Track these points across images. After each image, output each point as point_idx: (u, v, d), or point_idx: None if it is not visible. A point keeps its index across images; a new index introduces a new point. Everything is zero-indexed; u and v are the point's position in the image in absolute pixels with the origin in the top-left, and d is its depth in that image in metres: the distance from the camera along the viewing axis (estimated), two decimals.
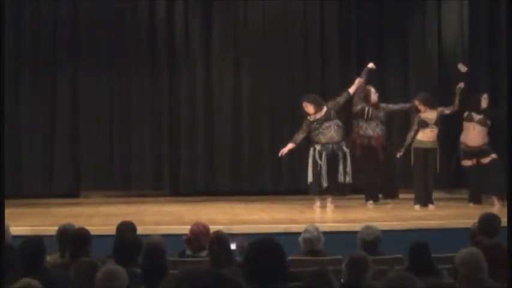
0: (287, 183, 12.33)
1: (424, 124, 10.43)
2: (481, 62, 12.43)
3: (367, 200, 10.74)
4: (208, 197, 11.89)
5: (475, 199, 10.68)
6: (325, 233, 6.69)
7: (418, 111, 10.56)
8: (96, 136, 12.19)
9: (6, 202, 8.44)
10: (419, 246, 5.42)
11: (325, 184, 10.31)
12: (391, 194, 10.95)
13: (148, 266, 4.98)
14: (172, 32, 12.38)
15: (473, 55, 12.49)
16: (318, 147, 10.37)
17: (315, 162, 10.35)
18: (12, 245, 5.33)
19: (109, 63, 12.24)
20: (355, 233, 6.60)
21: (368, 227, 6.45)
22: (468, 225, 6.67)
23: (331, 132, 10.35)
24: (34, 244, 5.30)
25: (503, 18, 11.86)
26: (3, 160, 10.50)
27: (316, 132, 10.38)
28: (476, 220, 6.25)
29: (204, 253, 6.08)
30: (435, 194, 10.76)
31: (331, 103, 10.54)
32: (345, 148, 10.41)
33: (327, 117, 10.40)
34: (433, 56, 12.72)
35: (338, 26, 12.63)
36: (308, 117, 10.48)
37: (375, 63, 10.96)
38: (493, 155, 10.61)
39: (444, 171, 10.96)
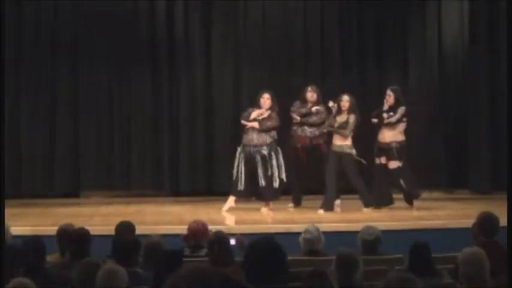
0: (287, 183, 12.28)
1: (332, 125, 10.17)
2: (481, 61, 12.42)
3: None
4: (208, 197, 11.88)
5: (375, 202, 10.14)
6: (325, 233, 6.69)
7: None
8: (96, 136, 12.18)
9: (6, 202, 8.43)
10: (419, 246, 5.42)
11: (240, 186, 10.02)
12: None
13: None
14: (172, 32, 12.37)
15: (473, 55, 12.49)
16: (239, 148, 10.19)
17: (236, 162, 10.12)
18: (14, 245, 5.33)
19: (109, 63, 12.24)
20: (355, 233, 6.60)
21: (368, 227, 6.46)
22: (468, 225, 6.67)
23: (253, 134, 10.07)
24: (34, 244, 5.30)
25: (503, 18, 11.85)
26: (3, 160, 10.50)
27: (244, 130, 10.20)
28: (475, 220, 6.26)
29: (202, 252, 6.08)
30: (435, 194, 10.73)
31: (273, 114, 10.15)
32: (265, 152, 10.02)
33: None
34: (433, 55, 12.71)
35: (338, 26, 12.63)
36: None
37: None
38: (393, 165, 10.15)
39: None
